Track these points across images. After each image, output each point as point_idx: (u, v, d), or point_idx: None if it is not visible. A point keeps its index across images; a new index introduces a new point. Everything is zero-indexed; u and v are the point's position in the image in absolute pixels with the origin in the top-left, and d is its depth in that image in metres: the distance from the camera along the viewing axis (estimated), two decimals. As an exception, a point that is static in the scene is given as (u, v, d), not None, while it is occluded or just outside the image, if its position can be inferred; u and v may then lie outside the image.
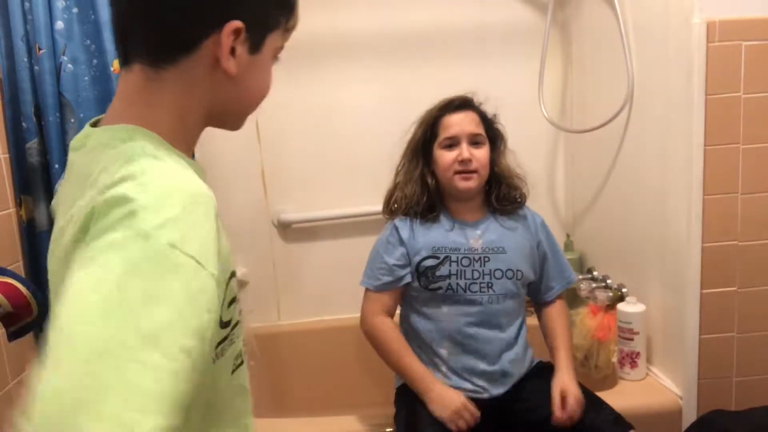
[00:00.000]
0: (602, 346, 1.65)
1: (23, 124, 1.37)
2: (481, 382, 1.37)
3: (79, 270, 0.47)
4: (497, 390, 1.37)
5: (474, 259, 1.38)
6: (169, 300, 0.47)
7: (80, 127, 1.37)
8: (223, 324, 0.61)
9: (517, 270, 1.39)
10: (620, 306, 1.63)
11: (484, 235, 1.40)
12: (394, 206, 1.46)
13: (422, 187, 1.42)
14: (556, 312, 1.47)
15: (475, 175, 1.36)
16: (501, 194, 1.43)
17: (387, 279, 1.39)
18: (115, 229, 0.48)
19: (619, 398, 1.47)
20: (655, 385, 1.59)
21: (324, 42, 1.97)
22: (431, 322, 1.40)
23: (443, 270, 1.37)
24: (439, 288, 1.37)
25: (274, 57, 0.70)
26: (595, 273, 1.92)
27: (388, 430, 1.43)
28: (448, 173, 1.38)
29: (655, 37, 1.53)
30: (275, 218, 2.04)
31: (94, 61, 1.40)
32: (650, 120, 1.59)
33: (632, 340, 1.59)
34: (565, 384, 1.31)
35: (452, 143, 1.37)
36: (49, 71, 1.35)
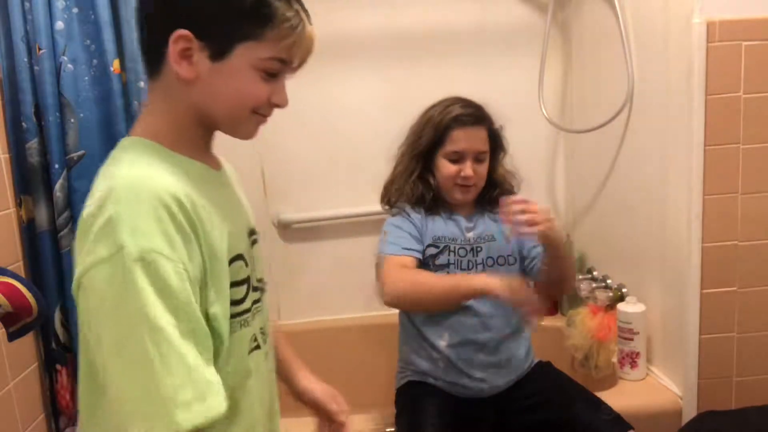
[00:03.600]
0: (602, 346, 1.65)
1: (23, 124, 1.37)
2: (479, 374, 1.36)
3: None
4: (497, 381, 1.37)
5: (468, 249, 1.40)
6: None
7: (80, 127, 1.39)
8: (230, 302, 0.75)
9: (508, 255, 1.42)
10: (620, 306, 1.63)
11: (475, 227, 1.43)
12: (392, 199, 1.47)
13: (425, 187, 1.43)
14: None
15: (472, 188, 1.40)
16: (493, 197, 1.44)
17: (413, 244, 1.37)
18: None
19: (619, 398, 1.47)
20: (655, 385, 1.59)
21: (324, 42, 1.94)
22: (434, 321, 1.39)
23: (442, 259, 1.39)
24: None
25: (259, 67, 0.75)
26: (595, 273, 1.92)
27: (388, 430, 1.43)
28: (447, 183, 1.40)
29: (655, 37, 1.53)
30: (275, 218, 2.04)
31: (94, 61, 1.40)
32: (650, 120, 1.59)
33: (632, 340, 1.59)
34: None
35: (457, 158, 1.38)
36: (49, 71, 1.35)
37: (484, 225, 1.44)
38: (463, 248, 1.40)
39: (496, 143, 1.45)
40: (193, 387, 0.64)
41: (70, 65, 1.37)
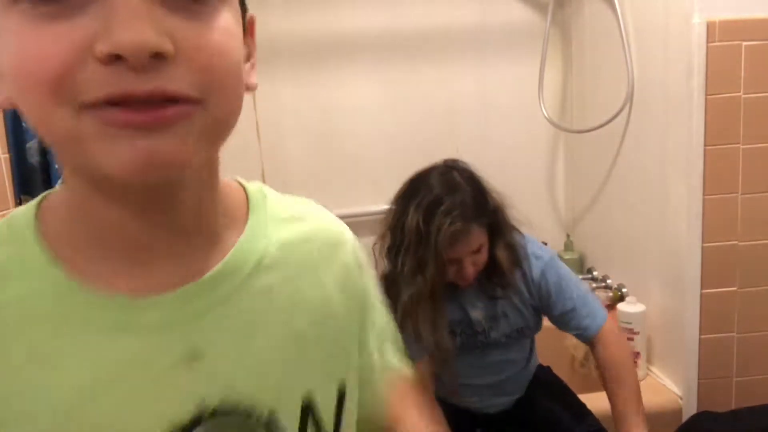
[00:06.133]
0: (602, 346, 1.65)
1: (23, 124, 1.36)
2: (474, 398, 1.35)
3: None
4: (491, 404, 1.35)
5: (477, 330, 1.30)
6: None
7: (80, 128, 1.37)
8: None
9: (523, 328, 1.32)
10: (620, 306, 1.63)
11: (483, 306, 1.29)
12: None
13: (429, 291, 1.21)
14: (602, 355, 1.24)
15: (473, 277, 1.22)
16: (494, 279, 1.26)
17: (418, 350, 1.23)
18: None
19: (619, 398, 1.47)
20: (655, 385, 1.58)
21: (324, 42, 1.97)
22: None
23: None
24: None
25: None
26: (595, 273, 1.92)
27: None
28: (445, 277, 1.22)
29: (655, 37, 1.53)
30: (275, 218, 2.04)
31: (94, 61, 1.40)
32: (650, 120, 1.59)
33: (632, 340, 1.59)
34: None
35: (452, 262, 1.20)
36: (49, 71, 1.35)
37: (493, 302, 1.29)
38: (470, 329, 1.30)
39: (493, 227, 1.23)
40: None
41: (70, 65, 1.37)
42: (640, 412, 1.15)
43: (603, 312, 1.29)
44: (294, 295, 0.46)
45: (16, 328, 0.39)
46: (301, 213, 0.51)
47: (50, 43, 0.32)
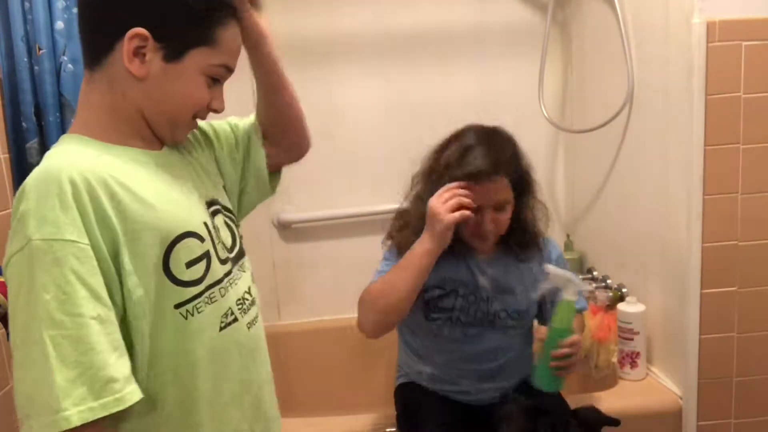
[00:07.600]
0: (602, 346, 1.65)
1: (23, 124, 1.37)
2: (467, 386, 1.34)
3: None
4: (484, 394, 1.34)
5: (481, 297, 1.31)
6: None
7: (80, 127, 1.38)
8: (182, 283, 0.75)
9: (524, 311, 1.33)
10: (620, 306, 1.63)
11: (494, 274, 1.32)
12: (399, 235, 1.31)
13: None
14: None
15: (491, 236, 1.26)
16: (520, 242, 1.33)
17: None
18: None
19: (619, 398, 1.48)
20: (655, 385, 1.59)
21: (324, 42, 1.97)
22: (425, 345, 1.37)
23: (447, 302, 1.30)
24: (439, 319, 1.30)
25: (206, 73, 0.78)
26: (595, 273, 1.92)
27: (388, 430, 1.43)
28: (465, 232, 1.26)
29: (655, 37, 1.53)
30: (275, 218, 2.04)
31: (94, 61, 1.40)
32: (650, 120, 1.59)
33: (632, 340, 1.59)
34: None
35: (475, 210, 1.20)
36: (49, 71, 1.35)
37: (506, 274, 1.32)
38: (474, 294, 1.31)
39: (521, 187, 1.28)
40: (89, 383, 0.65)
41: (70, 65, 1.37)
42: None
43: (585, 303, 1.45)
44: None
45: (125, 174, 0.74)
46: None
47: (207, 95, 0.81)
